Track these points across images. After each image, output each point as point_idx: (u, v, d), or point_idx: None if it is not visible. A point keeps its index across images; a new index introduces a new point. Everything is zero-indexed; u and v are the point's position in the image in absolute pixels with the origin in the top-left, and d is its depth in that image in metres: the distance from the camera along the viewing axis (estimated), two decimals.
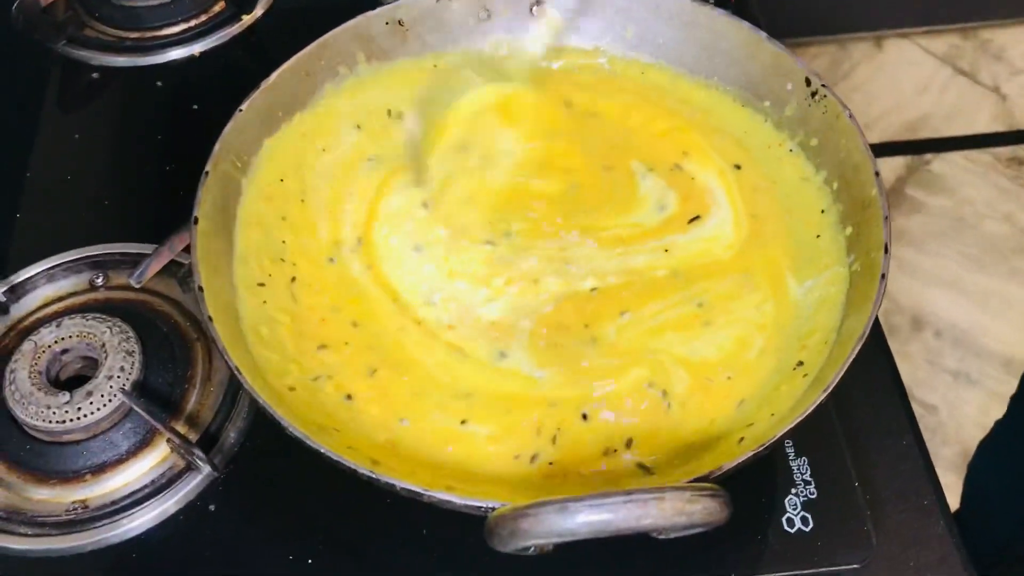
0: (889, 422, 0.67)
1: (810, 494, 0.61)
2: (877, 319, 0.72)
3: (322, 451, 0.48)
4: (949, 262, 1.81)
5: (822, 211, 0.61)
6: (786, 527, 0.60)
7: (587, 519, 0.37)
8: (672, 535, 0.42)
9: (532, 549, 0.41)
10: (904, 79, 2.05)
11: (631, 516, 0.37)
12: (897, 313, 1.74)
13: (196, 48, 0.86)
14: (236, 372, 0.50)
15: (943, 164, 1.94)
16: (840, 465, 0.63)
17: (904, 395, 0.69)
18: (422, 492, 0.46)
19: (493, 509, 0.43)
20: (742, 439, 0.53)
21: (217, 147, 0.60)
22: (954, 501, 1.32)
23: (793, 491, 0.62)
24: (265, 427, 0.65)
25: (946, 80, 2.05)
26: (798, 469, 0.62)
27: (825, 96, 0.61)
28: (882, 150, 1.96)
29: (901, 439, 0.67)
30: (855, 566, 0.60)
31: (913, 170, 1.94)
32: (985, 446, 1.18)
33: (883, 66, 2.07)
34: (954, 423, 1.62)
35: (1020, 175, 1.92)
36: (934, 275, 1.80)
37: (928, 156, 1.95)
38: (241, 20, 0.87)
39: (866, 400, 0.68)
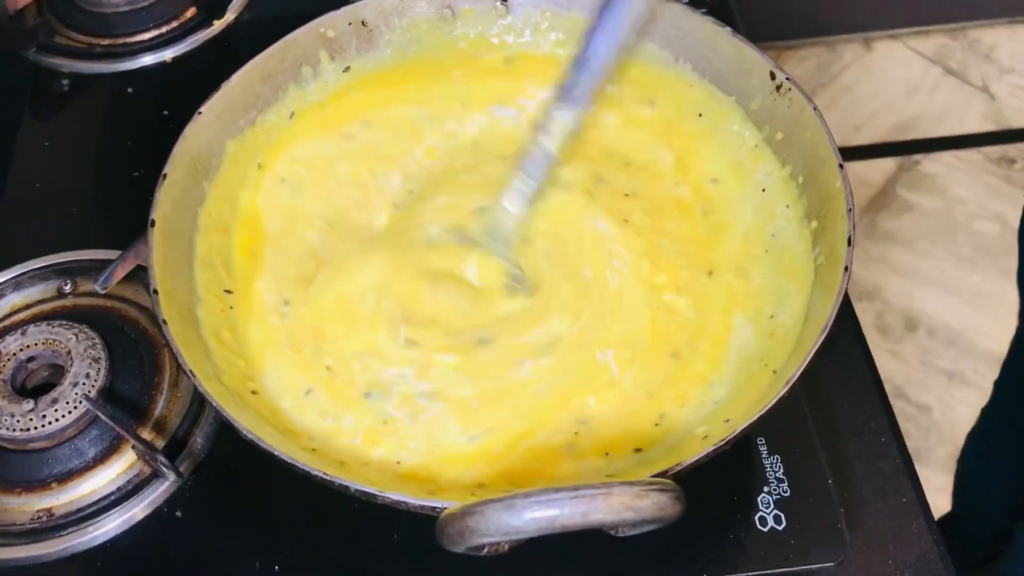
0: (867, 420, 0.66)
1: (783, 492, 0.61)
2: (855, 318, 0.72)
3: (276, 454, 0.47)
4: (941, 262, 1.81)
5: (787, 206, 0.61)
6: (759, 526, 0.60)
7: (534, 515, 0.37)
8: (627, 532, 0.42)
9: (486, 549, 0.41)
10: (893, 80, 2.05)
11: (578, 512, 0.36)
12: (890, 313, 1.74)
13: (167, 54, 0.86)
14: (189, 374, 0.50)
15: (933, 164, 1.94)
16: (814, 463, 0.62)
17: (883, 392, 0.68)
18: (376, 493, 0.46)
19: (444, 508, 0.42)
20: (706, 436, 0.53)
21: (176, 149, 0.59)
22: (947, 499, 1.31)
23: (766, 489, 0.61)
24: (232, 433, 0.64)
25: (936, 80, 2.05)
26: (771, 467, 0.62)
27: (790, 90, 0.61)
28: (872, 151, 1.96)
29: (880, 437, 0.66)
30: (829, 564, 0.59)
31: (903, 170, 1.93)
32: (973, 435, 1.18)
33: (872, 67, 2.07)
34: (947, 423, 1.62)
35: (1010, 174, 1.92)
36: (926, 275, 1.79)
37: (918, 156, 1.95)
38: (212, 25, 0.87)
39: (844, 398, 0.67)
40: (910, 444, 0.65)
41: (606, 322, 0.59)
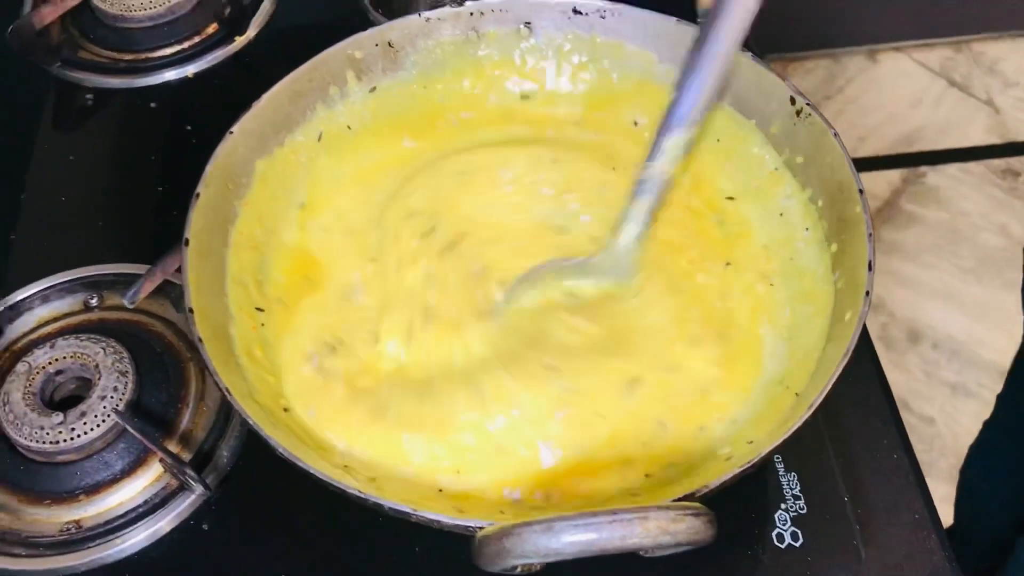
0: (880, 437, 0.67)
1: (800, 509, 0.62)
2: (867, 334, 0.73)
3: (311, 471, 0.48)
4: (945, 274, 1.82)
5: (807, 229, 0.62)
6: (776, 542, 0.61)
7: (572, 539, 0.38)
8: (658, 553, 0.43)
9: (519, 568, 0.42)
10: (898, 92, 2.06)
11: (615, 536, 0.37)
12: (894, 325, 1.75)
13: (190, 69, 0.87)
14: (226, 392, 0.51)
15: (938, 176, 1.95)
16: (830, 480, 0.63)
17: (895, 409, 0.69)
18: (410, 512, 0.46)
19: (480, 528, 0.43)
20: (729, 457, 0.53)
21: (208, 169, 0.60)
22: (950, 511, 1.32)
23: (783, 506, 0.62)
24: (258, 447, 0.64)
25: (940, 93, 2.06)
26: (788, 484, 0.63)
27: (810, 115, 0.62)
28: (877, 163, 1.97)
29: (892, 453, 0.67)
30: None
31: (908, 183, 1.95)
32: (975, 448, 1.19)
33: (877, 79, 2.08)
34: (951, 435, 1.63)
35: (1015, 187, 1.93)
36: (930, 287, 1.80)
37: (923, 168, 1.96)
38: (235, 41, 0.88)
39: (856, 415, 0.68)
40: None
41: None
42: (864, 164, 1.96)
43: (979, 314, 1.78)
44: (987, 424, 1.19)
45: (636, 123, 0.71)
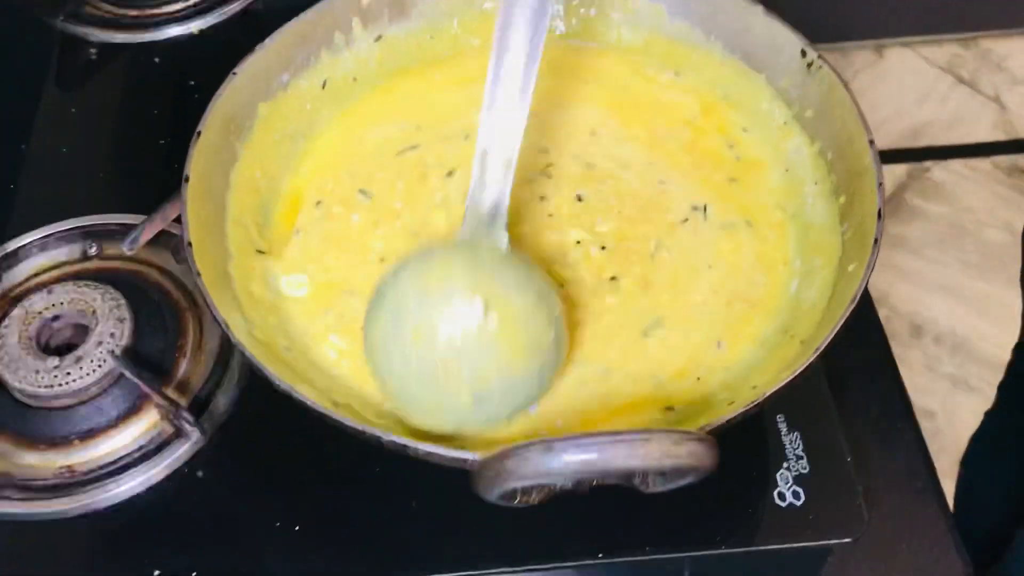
0: (884, 405, 0.67)
1: (802, 469, 0.61)
2: (873, 306, 0.72)
3: (308, 403, 0.48)
4: (949, 269, 1.81)
5: (815, 183, 0.61)
6: (777, 501, 0.60)
7: (572, 458, 0.37)
8: (657, 487, 0.42)
9: (518, 498, 0.41)
10: (905, 87, 2.06)
11: (617, 456, 0.37)
12: (896, 319, 1.74)
13: (194, 26, 0.86)
14: (223, 326, 0.50)
15: (943, 172, 1.94)
16: (833, 441, 0.63)
17: (899, 380, 0.69)
18: (408, 444, 0.46)
19: (476, 460, 0.42)
20: (731, 402, 0.53)
21: (210, 108, 0.60)
22: (949, 504, 1.31)
23: (785, 465, 0.61)
24: (255, 395, 0.65)
25: (947, 89, 2.06)
26: (790, 444, 0.62)
27: (821, 67, 0.61)
28: (882, 157, 1.94)
29: (896, 423, 0.67)
30: (847, 540, 0.59)
31: (914, 177, 1.94)
32: (976, 438, 1.18)
33: (884, 74, 2.08)
34: (952, 429, 1.62)
35: (1020, 184, 1.93)
36: (933, 281, 1.80)
37: (928, 164, 1.96)
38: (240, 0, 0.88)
39: (861, 382, 0.68)
40: None
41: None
42: None
43: (982, 309, 1.77)
44: (988, 414, 1.18)
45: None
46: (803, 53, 0.62)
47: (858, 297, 0.51)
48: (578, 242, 0.61)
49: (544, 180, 0.64)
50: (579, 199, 0.63)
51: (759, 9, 0.63)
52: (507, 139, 0.55)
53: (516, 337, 0.50)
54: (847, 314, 0.50)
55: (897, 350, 0.66)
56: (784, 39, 0.63)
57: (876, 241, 0.52)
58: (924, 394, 1.66)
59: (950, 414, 1.65)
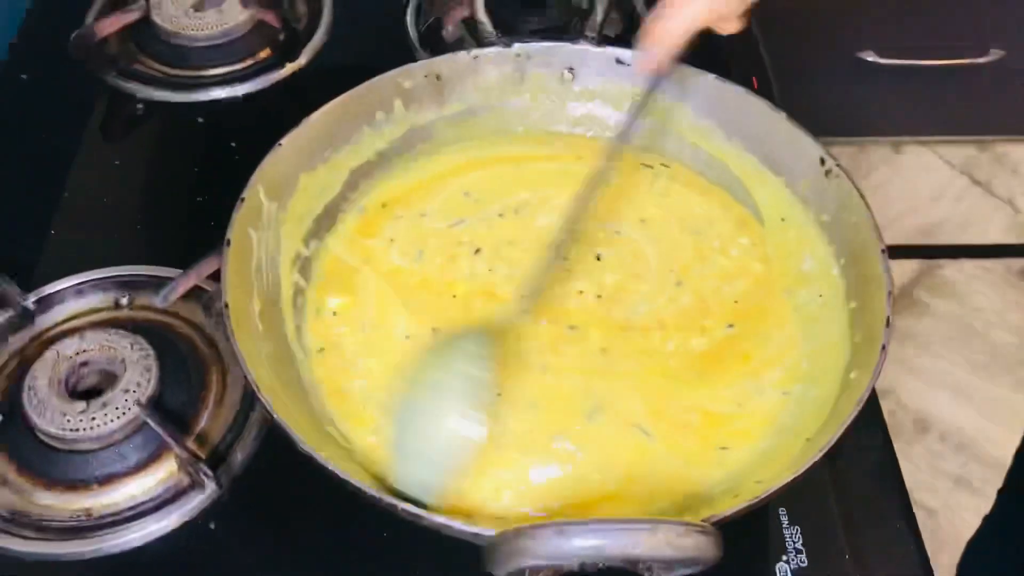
0: (884, 504, 0.68)
1: (801, 563, 0.62)
2: (879, 407, 0.74)
3: (328, 467, 0.49)
4: (956, 367, 1.82)
5: (828, 287, 0.63)
6: None
7: (583, 543, 0.38)
8: (662, 575, 0.43)
9: (527, 574, 0.42)
10: (920, 184, 2.08)
11: (624, 543, 0.38)
12: (903, 413, 1.75)
13: (239, 90, 0.90)
14: (253, 383, 0.52)
15: (954, 271, 1.96)
16: (833, 537, 0.64)
17: (901, 481, 0.70)
18: (422, 515, 0.47)
19: (490, 536, 0.44)
20: (736, 495, 0.54)
21: (255, 176, 0.62)
22: None
23: (784, 558, 0.62)
24: (272, 452, 0.66)
25: (961, 189, 2.08)
26: (791, 537, 0.63)
27: (839, 176, 0.63)
28: (895, 252, 1.97)
29: (895, 523, 0.67)
30: None
31: (925, 274, 1.96)
32: (973, 542, 1.18)
33: (900, 170, 2.11)
34: (952, 529, 1.61)
35: None
36: (941, 379, 1.80)
37: (940, 261, 1.98)
38: (285, 67, 0.91)
39: (863, 479, 0.68)
40: None
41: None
42: None
43: (988, 411, 1.77)
44: (986, 519, 1.18)
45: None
46: (822, 161, 0.64)
47: (864, 400, 0.52)
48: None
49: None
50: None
51: (782, 116, 0.66)
52: None
53: None
54: (853, 415, 0.52)
55: (901, 445, 0.67)
56: (804, 145, 0.65)
57: (884, 347, 0.54)
58: (926, 491, 1.66)
59: (951, 513, 1.64)
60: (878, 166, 2.12)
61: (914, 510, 0.67)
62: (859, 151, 2.13)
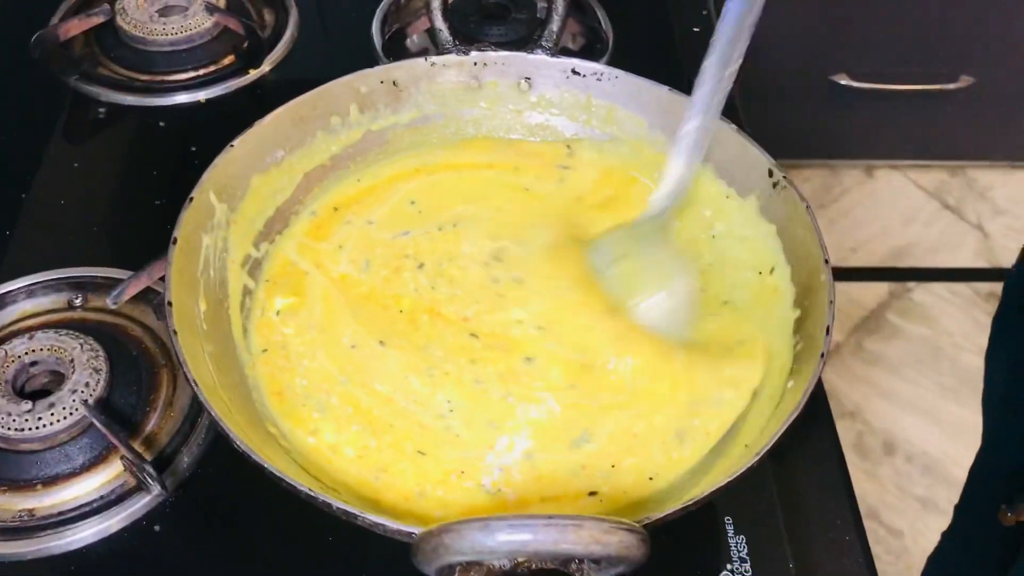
0: (833, 517, 0.68)
1: (745, 572, 0.62)
2: (831, 419, 0.74)
3: (264, 465, 0.49)
4: (924, 390, 1.83)
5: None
6: None
7: (507, 537, 0.38)
8: (591, 575, 0.43)
9: (457, 572, 0.42)
10: (892, 208, 2.11)
11: (548, 539, 0.38)
12: (870, 435, 1.76)
13: (201, 95, 0.90)
14: (193, 385, 0.52)
15: (924, 294, 1.98)
16: (778, 548, 0.64)
17: (851, 494, 0.70)
18: (357, 514, 0.47)
19: (417, 534, 0.44)
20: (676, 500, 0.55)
21: (205, 177, 0.63)
22: None
23: (728, 567, 0.62)
24: (219, 456, 0.66)
25: (933, 213, 2.11)
26: (735, 546, 0.63)
27: (786, 187, 0.64)
28: (865, 274, 2.00)
29: (844, 535, 0.67)
30: None
31: (895, 296, 1.98)
32: (933, 558, 1.19)
33: (873, 194, 2.13)
34: (919, 549, 1.62)
35: None
36: (909, 401, 1.82)
37: (911, 284, 1.99)
38: (248, 74, 0.91)
39: (813, 492, 0.69)
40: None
41: None
42: (853, 274, 1.99)
43: (955, 433, 1.78)
44: (944, 534, 1.19)
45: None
46: (770, 173, 0.65)
47: (802, 406, 0.53)
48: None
49: None
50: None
51: (732, 128, 0.67)
52: None
53: None
54: (788, 422, 0.52)
55: (868, 466, 0.67)
56: (754, 158, 0.66)
57: (822, 355, 0.54)
58: (893, 512, 1.67)
59: (918, 534, 1.65)
60: (851, 189, 2.14)
61: (881, 531, 0.67)
62: (831, 173, 2.15)
